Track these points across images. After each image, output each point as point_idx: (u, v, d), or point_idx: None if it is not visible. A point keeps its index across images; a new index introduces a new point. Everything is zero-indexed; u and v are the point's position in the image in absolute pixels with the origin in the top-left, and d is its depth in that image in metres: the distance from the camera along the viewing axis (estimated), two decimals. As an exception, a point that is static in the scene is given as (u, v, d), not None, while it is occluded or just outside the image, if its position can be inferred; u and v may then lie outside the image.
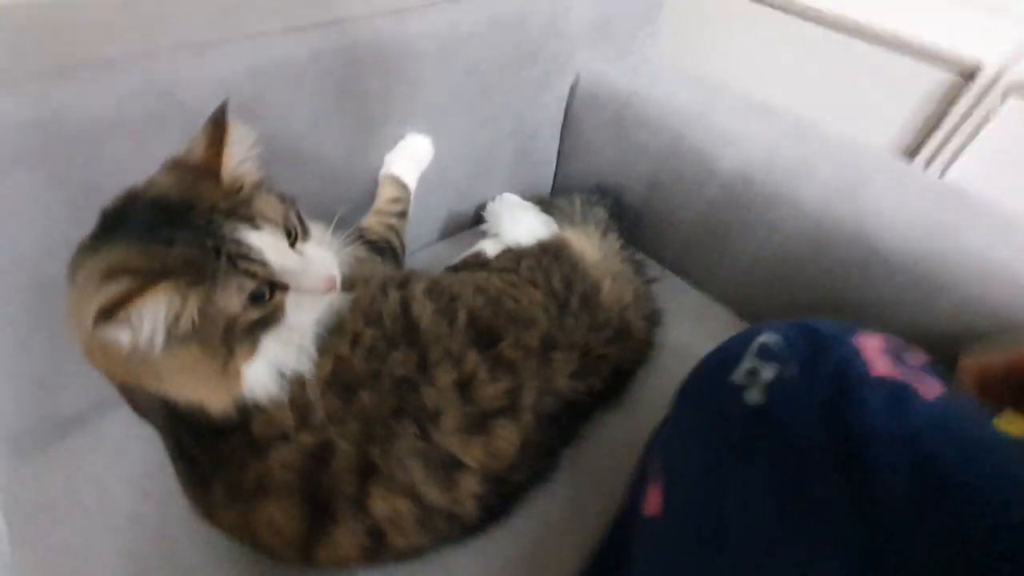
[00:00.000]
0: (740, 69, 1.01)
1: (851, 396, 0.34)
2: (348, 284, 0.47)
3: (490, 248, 0.70)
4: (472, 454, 0.46)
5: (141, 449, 0.55)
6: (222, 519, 0.44)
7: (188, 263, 0.36)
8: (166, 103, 0.51)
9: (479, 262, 0.68)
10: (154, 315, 0.34)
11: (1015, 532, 0.28)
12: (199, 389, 0.40)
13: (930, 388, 0.35)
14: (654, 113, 0.80)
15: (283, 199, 0.44)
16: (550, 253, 0.65)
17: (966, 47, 0.80)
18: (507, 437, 0.47)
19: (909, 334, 0.41)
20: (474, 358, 0.49)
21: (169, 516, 0.51)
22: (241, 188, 0.40)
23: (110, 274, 0.35)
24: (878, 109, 0.91)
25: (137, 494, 0.53)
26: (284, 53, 0.57)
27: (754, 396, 0.37)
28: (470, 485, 0.46)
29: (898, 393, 0.34)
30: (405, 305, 0.51)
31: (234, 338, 0.39)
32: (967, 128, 0.82)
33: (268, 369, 0.42)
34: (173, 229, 0.36)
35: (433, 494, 0.44)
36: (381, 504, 0.43)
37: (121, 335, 0.34)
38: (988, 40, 0.78)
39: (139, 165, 0.42)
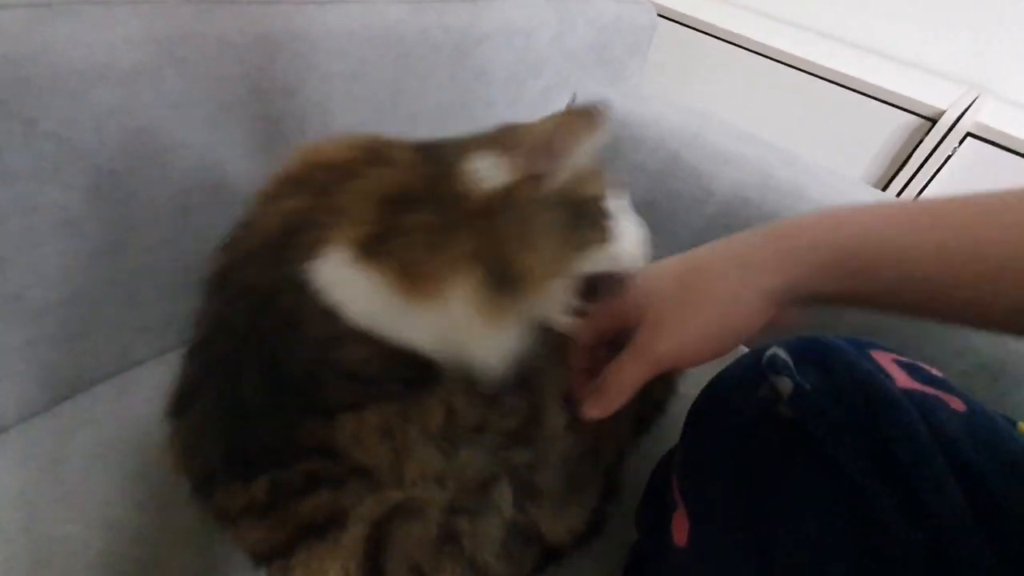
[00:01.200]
0: (719, 107, 1.07)
1: (884, 408, 0.32)
2: None
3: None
4: (555, 529, 0.39)
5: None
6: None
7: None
8: (164, 56, 0.46)
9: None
10: None
11: None
12: None
13: (956, 401, 0.35)
14: (651, 133, 0.82)
15: None
16: None
17: (930, 95, 0.88)
18: (584, 505, 0.42)
19: (908, 354, 0.41)
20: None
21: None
22: None
23: None
24: (849, 148, 0.98)
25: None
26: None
27: (785, 410, 0.36)
28: (534, 557, 0.39)
29: (929, 405, 0.34)
30: None
31: None
32: (931, 166, 0.89)
33: None
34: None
35: (499, 568, 0.36)
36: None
37: None
38: (948, 90, 0.86)
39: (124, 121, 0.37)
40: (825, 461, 0.33)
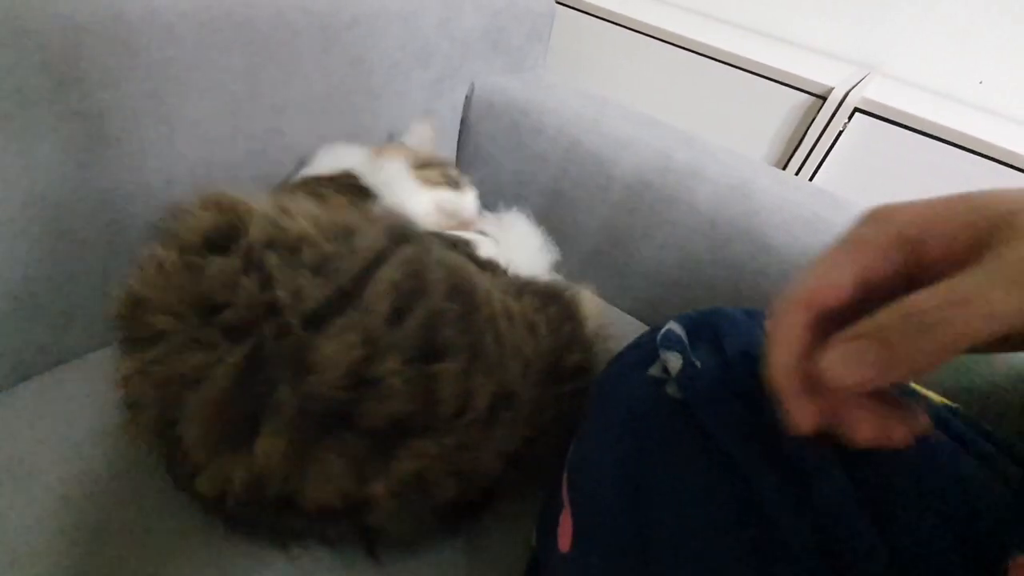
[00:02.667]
0: (618, 91, 1.07)
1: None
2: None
3: (484, 246, 0.61)
4: None
5: None
6: None
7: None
8: None
9: (468, 253, 0.58)
10: None
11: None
12: None
13: None
14: (551, 121, 0.79)
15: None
16: (559, 304, 0.52)
17: (820, 74, 0.90)
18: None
19: None
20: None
21: None
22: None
23: None
24: (748, 128, 0.99)
25: None
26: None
27: (674, 389, 0.33)
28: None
29: None
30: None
31: None
32: (824, 143, 0.91)
33: None
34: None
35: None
36: None
37: None
38: (839, 69, 0.88)
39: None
40: (713, 447, 0.30)
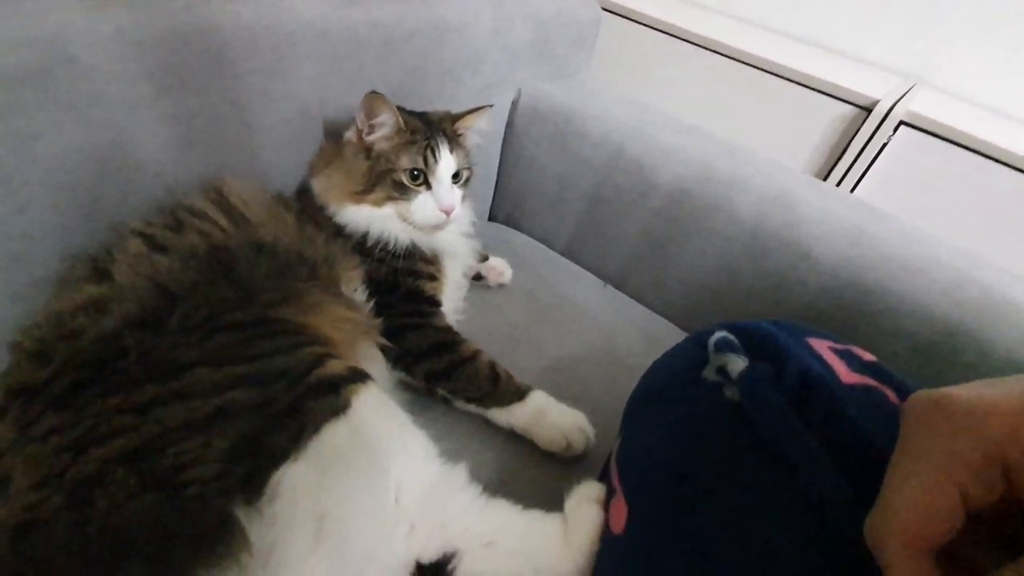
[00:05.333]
0: (660, 97, 1.08)
1: (831, 404, 0.32)
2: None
3: None
4: None
5: None
6: None
7: (419, 128, 0.61)
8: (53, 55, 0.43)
9: None
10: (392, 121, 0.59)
11: None
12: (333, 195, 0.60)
13: (891, 393, 0.35)
14: (595, 128, 0.81)
15: (471, 166, 0.68)
16: None
17: (865, 85, 0.90)
18: None
19: (845, 335, 0.41)
20: None
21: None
22: (460, 136, 0.66)
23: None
24: (790, 139, 0.99)
25: None
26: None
27: (732, 392, 0.35)
28: None
29: (874, 398, 0.33)
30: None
31: (378, 182, 0.59)
32: (867, 155, 0.91)
33: (366, 219, 0.60)
34: (426, 118, 0.63)
35: None
36: None
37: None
38: (884, 80, 0.88)
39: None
40: (764, 442, 0.32)
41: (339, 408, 0.39)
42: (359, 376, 0.42)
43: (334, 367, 0.41)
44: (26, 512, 0.33)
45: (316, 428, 0.37)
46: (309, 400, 0.38)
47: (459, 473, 0.42)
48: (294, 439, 0.37)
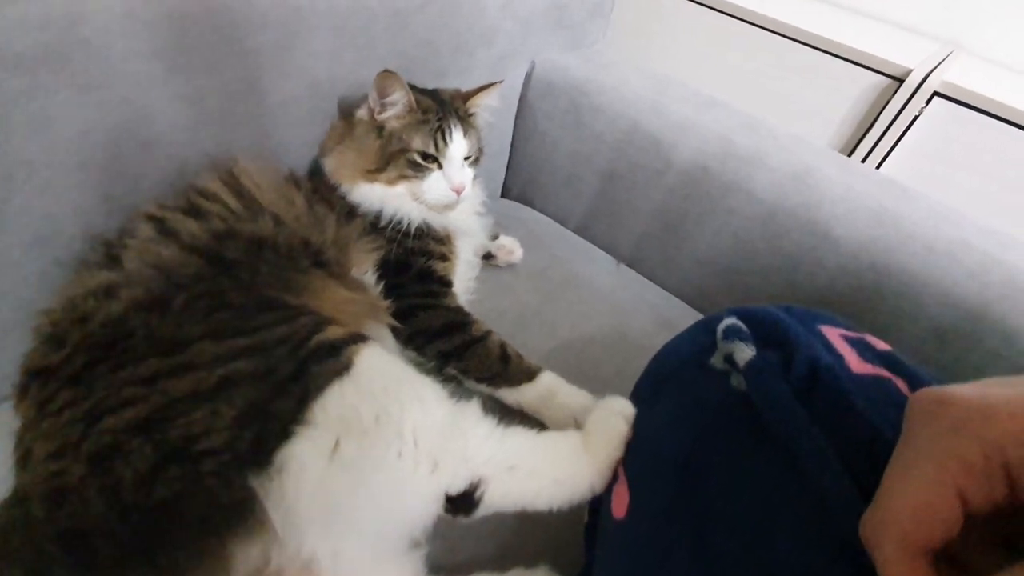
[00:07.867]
0: (684, 68, 1.04)
1: (838, 395, 0.31)
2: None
3: None
4: None
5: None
6: None
7: (431, 107, 0.61)
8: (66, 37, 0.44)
9: None
10: (404, 100, 0.59)
11: None
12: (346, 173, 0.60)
13: (902, 383, 0.34)
14: (610, 101, 0.79)
15: (481, 146, 0.68)
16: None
17: (896, 54, 0.86)
18: None
19: (861, 321, 0.41)
20: None
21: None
22: (472, 115, 0.66)
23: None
24: (816, 110, 0.95)
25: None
26: None
27: (738, 381, 0.35)
28: None
29: (884, 389, 0.33)
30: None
31: (391, 160, 0.59)
32: (898, 127, 0.87)
33: (379, 198, 0.60)
34: (437, 96, 0.63)
35: None
36: None
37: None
38: (919, 47, 0.83)
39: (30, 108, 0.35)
40: (769, 432, 0.31)
41: (342, 369, 0.40)
42: (359, 338, 0.43)
43: (334, 331, 0.42)
44: (49, 480, 0.35)
45: (320, 390, 0.38)
46: (312, 364, 0.39)
47: (473, 408, 0.43)
48: (300, 403, 0.38)
